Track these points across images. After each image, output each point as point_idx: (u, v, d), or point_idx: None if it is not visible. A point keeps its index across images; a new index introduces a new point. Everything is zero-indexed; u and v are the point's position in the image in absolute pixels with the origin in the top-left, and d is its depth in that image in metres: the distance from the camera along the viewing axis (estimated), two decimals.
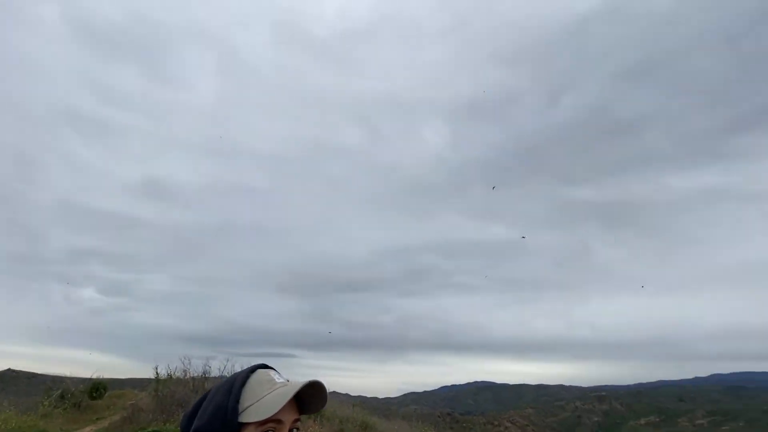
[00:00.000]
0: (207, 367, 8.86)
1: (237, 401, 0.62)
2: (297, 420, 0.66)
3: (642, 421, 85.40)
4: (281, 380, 0.65)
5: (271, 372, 0.67)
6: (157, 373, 8.46)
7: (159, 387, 8.07)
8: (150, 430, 6.38)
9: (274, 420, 0.62)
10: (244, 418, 0.61)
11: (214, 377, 8.81)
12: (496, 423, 56.35)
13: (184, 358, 8.85)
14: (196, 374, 8.69)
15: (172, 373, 8.63)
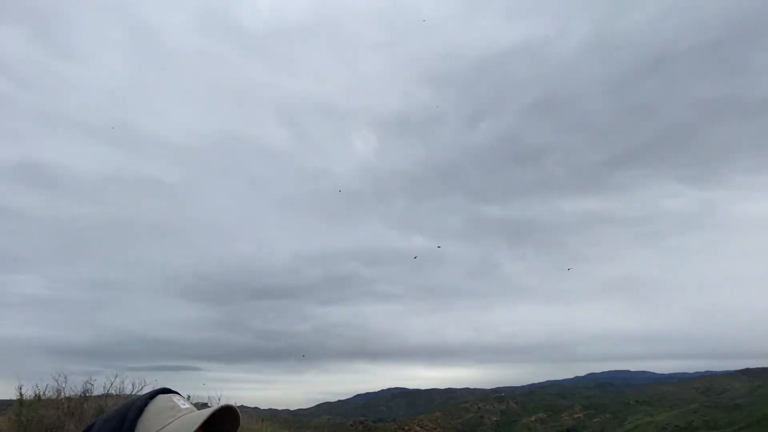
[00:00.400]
0: (89, 385, 7.74)
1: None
2: None
3: (533, 418, 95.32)
4: (186, 406, 0.56)
5: (174, 397, 0.58)
6: (20, 393, 7.14)
7: (23, 410, 6.83)
8: None
9: None
10: None
11: (97, 396, 7.73)
12: (406, 428, 57.98)
13: (59, 375, 7.62)
14: (73, 394, 7.54)
15: (41, 392, 7.37)
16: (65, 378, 7.71)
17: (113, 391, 7.96)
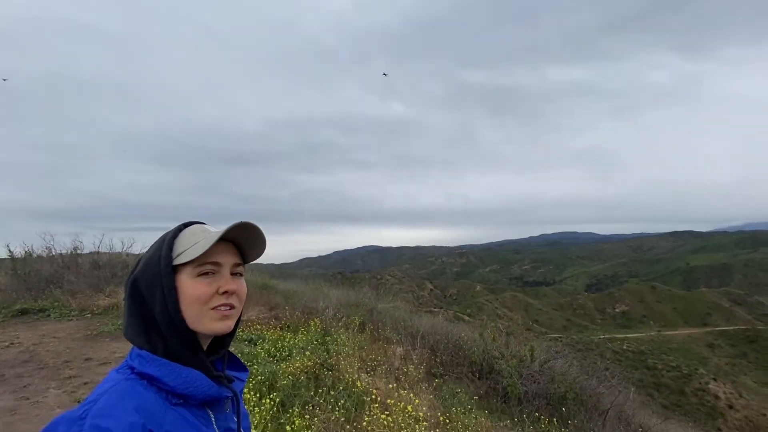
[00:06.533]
0: (78, 242, 8.03)
1: (170, 249, 0.62)
2: (239, 264, 0.66)
3: (488, 269, 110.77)
4: (215, 229, 0.65)
5: (205, 225, 0.67)
6: (10, 251, 7.38)
7: (17, 265, 7.14)
8: (17, 308, 5.85)
9: (212, 262, 0.62)
10: (178, 260, 0.61)
11: (89, 252, 8.09)
12: (379, 277, 66.49)
13: (46, 235, 7.80)
14: (64, 251, 7.85)
15: (30, 251, 7.63)
16: (52, 237, 7.91)
17: (102, 249, 8.31)
